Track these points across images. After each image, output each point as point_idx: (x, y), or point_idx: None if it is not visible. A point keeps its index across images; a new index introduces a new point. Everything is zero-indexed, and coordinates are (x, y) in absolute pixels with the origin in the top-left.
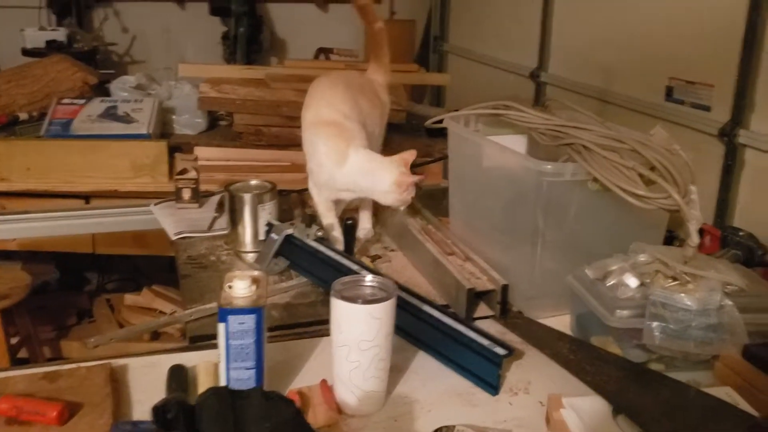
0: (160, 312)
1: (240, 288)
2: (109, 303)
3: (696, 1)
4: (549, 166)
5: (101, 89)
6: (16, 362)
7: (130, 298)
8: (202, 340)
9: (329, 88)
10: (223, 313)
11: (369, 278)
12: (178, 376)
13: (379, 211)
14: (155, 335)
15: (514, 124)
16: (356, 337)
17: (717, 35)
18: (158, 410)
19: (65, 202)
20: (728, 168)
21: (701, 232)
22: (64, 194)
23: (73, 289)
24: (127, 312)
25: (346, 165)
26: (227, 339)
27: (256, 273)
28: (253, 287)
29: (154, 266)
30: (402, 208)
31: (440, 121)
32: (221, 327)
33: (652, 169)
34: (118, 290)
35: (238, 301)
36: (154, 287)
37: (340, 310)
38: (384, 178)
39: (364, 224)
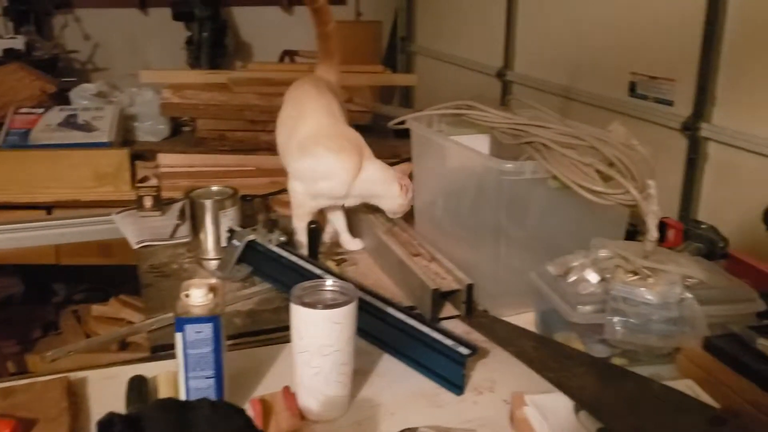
0: (128, 322)
1: (197, 296)
2: (76, 314)
3: None
4: (509, 165)
5: (61, 98)
6: None
7: (97, 309)
8: (164, 349)
9: (320, 95)
10: (179, 323)
11: (329, 282)
12: (138, 388)
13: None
14: (123, 345)
15: (477, 123)
16: (317, 342)
17: (678, 30)
18: (103, 425)
19: (27, 214)
20: (691, 162)
21: (664, 226)
22: (25, 205)
23: (39, 301)
24: (94, 323)
25: (362, 175)
26: (185, 348)
27: (213, 281)
28: (210, 295)
29: (122, 275)
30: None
31: (403, 122)
32: (178, 336)
33: (611, 165)
34: (86, 301)
35: (195, 309)
36: (121, 297)
37: (300, 316)
38: (394, 185)
39: (346, 234)
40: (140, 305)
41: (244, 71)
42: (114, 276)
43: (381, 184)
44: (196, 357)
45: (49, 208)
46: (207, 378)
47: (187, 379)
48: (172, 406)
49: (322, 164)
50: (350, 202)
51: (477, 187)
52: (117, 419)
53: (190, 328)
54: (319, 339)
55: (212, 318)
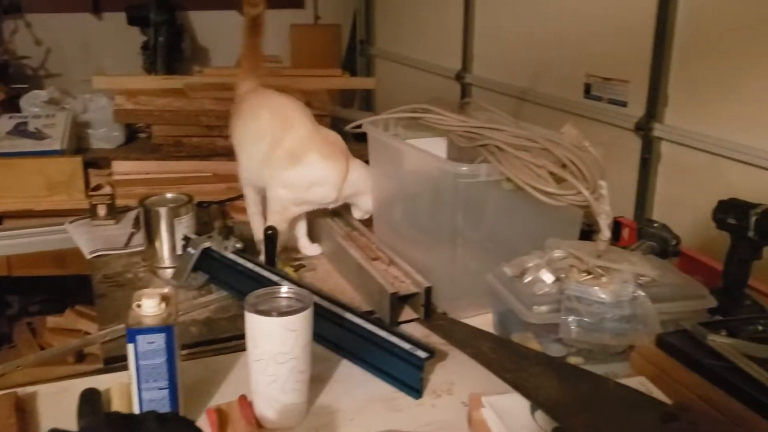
0: (85, 333)
1: (149, 306)
2: (31, 327)
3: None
4: (464, 168)
5: (11, 105)
6: None
7: (52, 320)
8: (118, 361)
9: (299, 104)
10: (131, 333)
11: (284, 289)
12: (91, 401)
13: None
14: (80, 357)
15: (433, 127)
16: (272, 350)
17: (631, 33)
18: None
19: None
20: (645, 161)
21: (619, 225)
22: None
23: None
24: (49, 335)
25: (349, 176)
26: (137, 359)
27: (166, 290)
28: (163, 305)
29: (78, 285)
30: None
31: (360, 126)
32: (130, 347)
33: (563, 166)
34: (42, 312)
35: (147, 319)
36: (77, 307)
37: (255, 324)
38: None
39: (305, 239)
40: (96, 316)
41: (201, 76)
42: (70, 286)
43: (365, 183)
44: (148, 368)
45: (1, 218)
46: (161, 389)
47: (140, 390)
48: (117, 421)
49: (315, 171)
50: (334, 205)
51: (433, 190)
52: None
53: (141, 339)
54: (274, 347)
55: (165, 328)
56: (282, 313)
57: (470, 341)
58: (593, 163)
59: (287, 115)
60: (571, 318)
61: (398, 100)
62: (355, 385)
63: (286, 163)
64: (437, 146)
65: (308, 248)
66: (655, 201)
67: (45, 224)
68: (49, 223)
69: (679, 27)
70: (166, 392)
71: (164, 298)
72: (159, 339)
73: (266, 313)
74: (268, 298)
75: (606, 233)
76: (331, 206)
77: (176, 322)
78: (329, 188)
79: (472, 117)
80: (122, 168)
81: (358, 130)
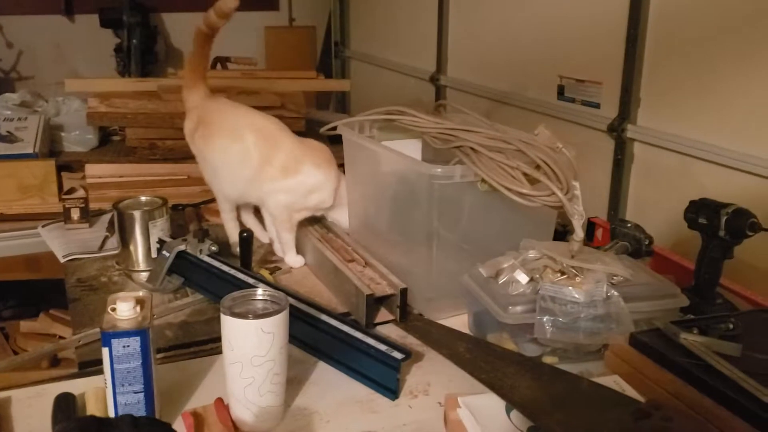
0: (60, 337)
1: (123, 310)
2: (4, 331)
3: (582, 1)
4: (439, 170)
5: None
6: None
7: (26, 325)
8: (93, 365)
9: (274, 120)
10: (106, 337)
11: (260, 292)
12: (65, 405)
13: None
14: (54, 362)
15: (408, 128)
16: (248, 353)
17: (603, 35)
18: None
19: None
20: (618, 162)
21: (593, 225)
22: None
23: None
24: (22, 339)
25: (342, 182)
26: (112, 363)
27: (140, 293)
28: (138, 308)
29: (52, 290)
30: None
31: (335, 128)
32: (105, 351)
33: (537, 167)
34: (15, 317)
35: (121, 323)
36: (52, 311)
37: (230, 327)
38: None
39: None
40: (70, 320)
41: (175, 79)
42: (43, 291)
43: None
44: (123, 372)
45: None
46: (136, 393)
47: (115, 394)
48: (90, 425)
49: (311, 179)
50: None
51: (409, 191)
52: None
53: (116, 343)
54: (250, 349)
55: (140, 331)
56: (258, 316)
57: (446, 342)
58: (567, 165)
59: (272, 134)
60: (545, 318)
61: (373, 102)
62: (331, 387)
63: (281, 176)
64: (412, 148)
65: (292, 260)
66: (628, 201)
67: (17, 228)
68: (21, 227)
69: (650, 30)
70: (141, 396)
71: (139, 302)
72: (134, 342)
73: (242, 315)
74: (244, 300)
75: (579, 234)
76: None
77: (151, 326)
78: (326, 194)
79: (447, 119)
80: (96, 171)
81: (333, 132)
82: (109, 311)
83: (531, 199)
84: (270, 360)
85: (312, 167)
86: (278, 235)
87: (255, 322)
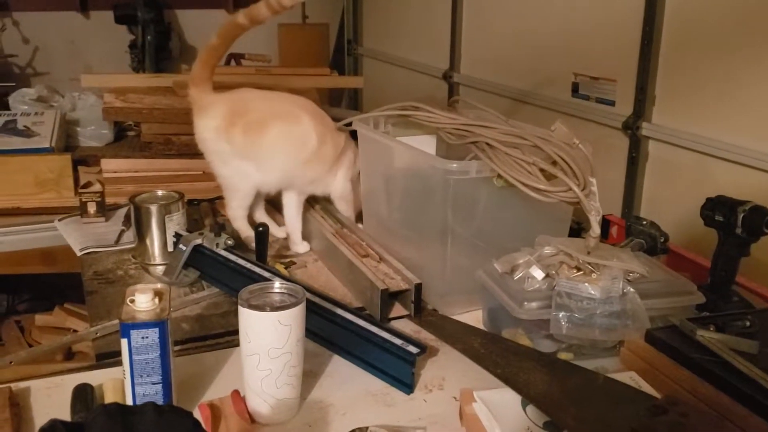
0: (74, 330)
1: (142, 302)
2: (19, 324)
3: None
4: (454, 165)
5: (0, 103)
6: None
7: (41, 318)
8: (110, 356)
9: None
10: (125, 328)
11: (277, 285)
12: (84, 396)
13: None
14: (69, 355)
15: (423, 124)
16: (265, 345)
17: (618, 32)
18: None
19: None
20: (633, 160)
21: (607, 222)
22: None
23: None
24: (38, 333)
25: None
26: (131, 354)
27: (159, 286)
28: (156, 300)
29: (67, 283)
30: None
31: (350, 123)
32: (124, 342)
33: (553, 163)
34: (30, 311)
35: (140, 315)
36: (66, 305)
37: (248, 319)
38: None
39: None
40: (86, 313)
41: (189, 75)
42: (58, 284)
43: None
44: (142, 363)
45: None
46: (154, 384)
47: (133, 385)
48: (115, 412)
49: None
50: None
51: (424, 187)
52: (59, 425)
53: (135, 334)
54: (267, 341)
55: (158, 323)
56: (275, 308)
57: (461, 337)
58: (583, 161)
59: (319, 112)
60: (561, 314)
61: (385, 100)
62: (346, 380)
63: (336, 152)
64: (426, 144)
65: (299, 246)
66: (642, 199)
67: (34, 222)
68: (37, 220)
69: (666, 27)
70: (159, 387)
71: (157, 294)
72: (153, 334)
73: (260, 307)
74: (261, 293)
75: (596, 230)
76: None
77: (170, 317)
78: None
79: (462, 115)
80: (111, 166)
81: (348, 128)
82: (128, 303)
83: (547, 195)
84: (287, 352)
85: (347, 137)
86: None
87: (272, 315)
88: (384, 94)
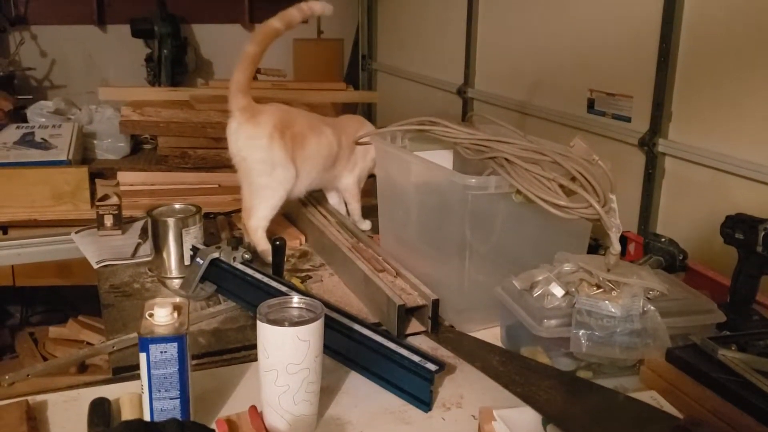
0: (87, 343)
1: (161, 316)
2: (33, 337)
3: (613, 14)
4: (473, 180)
5: (18, 115)
6: None
7: (54, 331)
8: (127, 370)
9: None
10: (143, 343)
11: (296, 300)
12: (101, 410)
13: (308, 229)
14: (82, 368)
15: (440, 139)
16: (284, 360)
17: (635, 48)
18: None
19: None
20: (649, 176)
21: (625, 239)
22: None
23: None
24: (52, 345)
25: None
26: (149, 369)
27: (177, 300)
28: (175, 314)
29: (80, 296)
30: None
31: (367, 138)
32: (143, 357)
33: (573, 179)
34: (43, 323)
35: (159, 329)
36: (80, 318)
37: (267, 334)
38: None
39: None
40: (100, 326)
41: (206, 88)
42: (71, 297)
43: None
44: (160, 377)
45: (4, 228)
46: (172, 399)
47: (151, 400)
48: (139, 428)
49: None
50: None
51: (441, 201)
52: None
53: (154, 348)
54: (285, 357)
55: (177, 338)
56: (294, 323)
57: (479, 354)
58: (603, 177)
59: (339, 123)
60: (581, 332)
61: (399, 115)
62: (363, 397)
63: (352, 153)
64: (443, 159)
65: (363, 223)
66: (658, 216)
67: (50, 234)
68: (54, 233)
69: (682, 43)
70: (177, 402)
71: (176, 308)
72: (171, 348)
73: (278, 322)
74: (279, 308)
75: (617, 247)
76: None
77: (188, 332)
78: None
79: (479, 130)
80: (127, 179)
81: (365, 143)
82: (147, 317)
83: (568, 211)
84: (305, 368)
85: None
86: (350, 206)
87: (291, 330)
88: (398, 110)
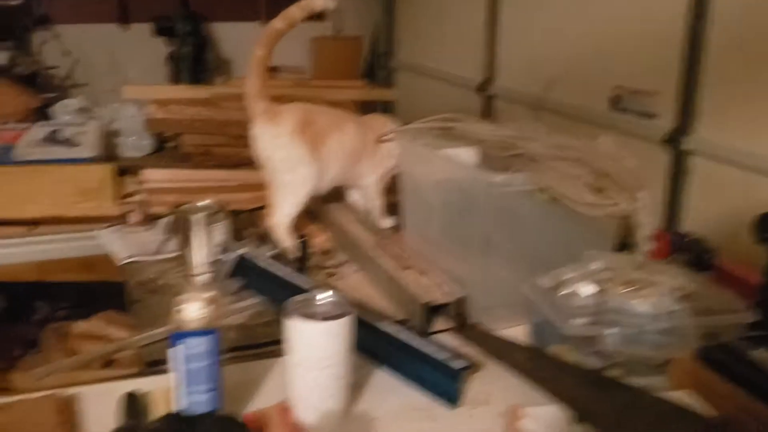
0: (112, 339)
1: (193, 310)
2: (58, 332)
3: (637, 10)
4: (498, 177)
5: (42, 113)
6: None
7: (79, 326)
8: (156, 365)
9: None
10: (177, 336)
11: (325, 295)
12: (132, 404)
13: (331, 226)
14: (107, 363)
15: (464, 136)
16: (314, 355)
17: (660, 44)
18: None
19: (7, 230)
20: (675, 174)
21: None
22: (7, 222)
23: (19, 319)
24: (77, 340)
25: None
26: (182, 362)
27: (209, 294)
28: (207, 309)
29: (105, 292)
30: None
31: (390, 135)
32: (176, 350)
33: (600, 177)
34: (68, 318)
35: (192, 323)
36: (105, 313)
37: (297, 329)
38: None
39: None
40: (124, 322)
41: (229, 86)
42: (95, 293)
43: None
44: (194, 371)
45: (31, 224)
46: (204, 392)
47: (184, 393)
48: (178, 420)
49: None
50: None
51: (466, 199)
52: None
53: (188, 342)
54: (316, 352)
55: (209, 331)
56: (325, 318)
57: (506, 352)
58: (631, 174)
59: (363, 121)
60: (611, 330)
61: (419, 112)
62: (390, 393)
63: (375, 150)
64: (468, 156)
65: (385, 221)
66: (683, 214)
67: (75, 230)
68: (79, 229)
69: (712, 38)
70: (209, 395)
71: (208, 302)
72: (204, 342)
73: (309, 317)
74: (307, 303)
75: (646, 245)
76: None
77: (220, 326)
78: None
79: (504, 127)
80: (153, 176)
81: (388, 140)
82: (179, 311)
83: (596, 209)
84: (334, 363)
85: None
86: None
87: (323, 325)
88: (417, 107)
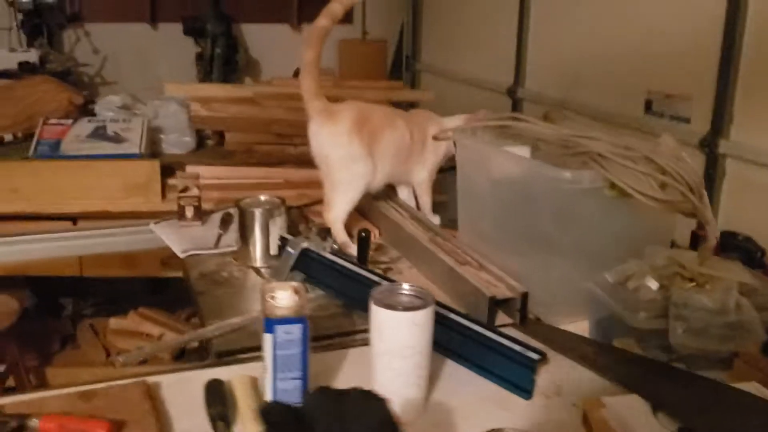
0: (147, 335)
1: (283, 298)
2: (93, 328)
3: (672, 14)
4: (568, 174)
5: (84, 110)
6: (5, 391)
7: (115, 322)
8: (227, 355)
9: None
10: (269, 324)
11: (406, 286)
12: (217, 391)
13: (381, 223)
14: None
15: (522, 135)
16: (398, 344)
17: (695, 48)
18: (265, 413)
19: (53, 224)
20: (710, 177)
21: (698, 237)
22: (53, 216)
23: (51, 314)
24: (112, 336)
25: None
26: (274, 349)
27: (295, 284)
28: (296, 297)
29: (133, 289)
30: None
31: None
32: (268, 337)
33: (666, 175)
34: (95, 315)
35: (283, 311)
36: (140, 310)
37: (382, 318)
38: None
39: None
40: (160, 318)
41: (270, 86)
42: (123, 289)
43: None
44: (284, 358)
45: (76, 218)
46: (294, 379)
47: (275, 380)
48: (329, 392)
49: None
50: None
51: (530, 196)
52: (276, 407)
53: (279, 329)
54: (401, 341)
55: (301, 319)
56: (408, 308)
57: (572, 346)
58: (694, 173)
59: (410, 117)
60: (678, 324)
61: (444, 114)
62: (462, 384)
63: (424, 147)
64: (522, 154)
65: (433, 218)
66: (719, 217)
67: (120, 225)
68: (124, 224)
69: (746, 42)
70: (298, 382)
71: (296, 291)
72: (296, 330)
73: (394, 307)
74: (390, 293)
75: (711, 241)
76: None
77: (308, 314)
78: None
79: (563, 127)
80: (204, 173)
81: (445, 138)
82: (269, 299)
83: (668, 205)
84: (418, 352)
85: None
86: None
87: (408, 314)
88: (442, 109)
